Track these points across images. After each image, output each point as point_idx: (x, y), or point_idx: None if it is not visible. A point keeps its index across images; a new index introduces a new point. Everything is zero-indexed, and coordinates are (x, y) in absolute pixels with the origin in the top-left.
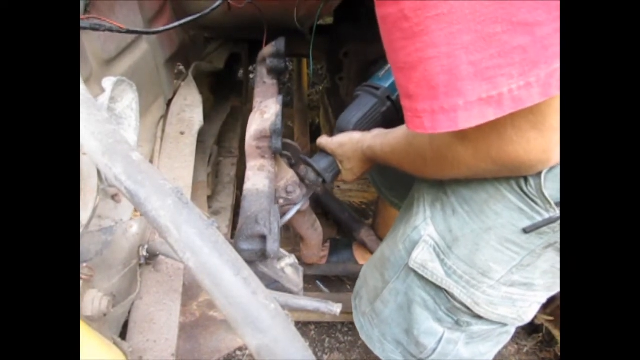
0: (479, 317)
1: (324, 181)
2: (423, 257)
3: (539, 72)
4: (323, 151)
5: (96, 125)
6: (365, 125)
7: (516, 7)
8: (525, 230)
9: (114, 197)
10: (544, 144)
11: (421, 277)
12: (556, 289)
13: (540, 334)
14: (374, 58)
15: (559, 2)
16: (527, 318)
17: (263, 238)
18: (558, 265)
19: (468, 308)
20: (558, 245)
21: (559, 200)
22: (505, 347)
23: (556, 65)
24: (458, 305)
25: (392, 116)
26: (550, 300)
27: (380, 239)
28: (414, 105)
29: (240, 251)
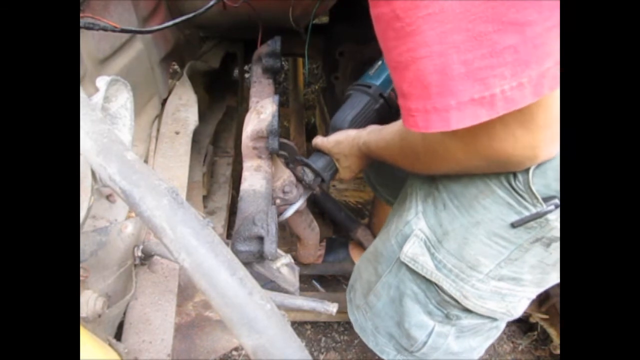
0: (468, 311)
1: (322, 180)
2: (414, 251)
3: (531, 72)
4: (319, 151)
5: (90, 125)
6: (359, 123)
7: (506, 7)
8: (513, 225)
9: (108, 197)
10: (531, 141)
11: (412, 271)
12: (545, 285)
13: (536, 332)
14: (370, 57)
15: (549, 2)
16: (517, 313)
17: (260, 239)
18: (546, 261)
19: (457, 301)
20: (545, 240)
21: (546, 195)
22: (501, 345)
23: (547, 64)
24: (447, 299)
25: (386, 113)
26: (545, 299)
27: None
28: (407, 104)
29: (237, 253)
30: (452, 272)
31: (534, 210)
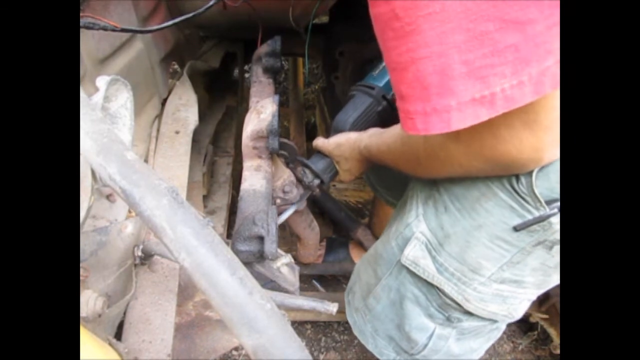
0: (469, 314)
1: (322, 182)
2: (415, 254)
3: (531, 71)
4: (319, 152)
5: (90, 125)
6: (361, 125)
7: (508, 5)
8: (516, 228)
9: (108, 197)
10: (536, 143)
11: (413, 274)
12: (546, 287)
13: (536, 332)
14: (370, 57)
15: (550, 0)
16: (517, 315)
17: (261, 239)
18: (548, 263)
19: (459, 304)
20: (548, 243)
21: (549, 198)
22: (501, 345)
23: (548, 62)
24: (449, 302)
25: (388, 116)
26: (545, 299)
27: (377, 238)
28: (406, 106)
29: (237, 252)
30: (453, 276)
31: (537, 214)
